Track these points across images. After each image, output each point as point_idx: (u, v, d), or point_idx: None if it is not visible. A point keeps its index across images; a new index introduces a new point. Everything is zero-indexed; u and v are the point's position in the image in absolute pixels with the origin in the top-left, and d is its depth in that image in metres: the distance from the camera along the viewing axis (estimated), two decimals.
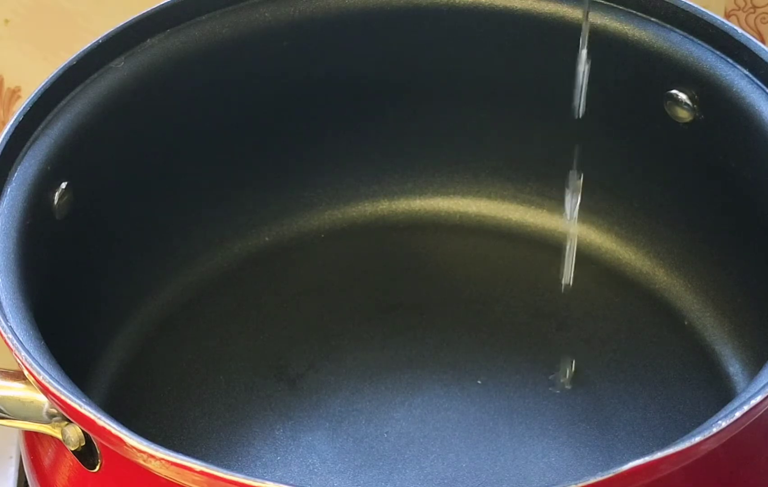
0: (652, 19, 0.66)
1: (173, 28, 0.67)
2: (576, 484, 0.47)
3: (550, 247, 0.73)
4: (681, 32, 0.65)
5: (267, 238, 0.74)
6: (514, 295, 0.71)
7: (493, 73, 0.71)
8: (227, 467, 0.50)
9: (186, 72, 0.68)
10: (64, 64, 0.64)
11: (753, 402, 0.49)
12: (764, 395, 0.49)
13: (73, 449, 0.54)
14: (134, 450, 0.49)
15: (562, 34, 0.68)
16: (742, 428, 0.49)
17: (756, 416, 0.50)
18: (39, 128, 0.62)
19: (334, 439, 0.65)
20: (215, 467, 0.47)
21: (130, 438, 0.49)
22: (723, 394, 0.65)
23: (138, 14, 0.66)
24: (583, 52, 0.65)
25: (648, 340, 0.69)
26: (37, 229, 0.60)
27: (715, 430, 0.48)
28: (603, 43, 0.67)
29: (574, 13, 0.68)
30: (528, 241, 0.74)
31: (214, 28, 0.68)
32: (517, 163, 0.74)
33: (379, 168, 0.75)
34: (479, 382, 0.67)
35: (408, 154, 0.75)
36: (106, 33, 0.65)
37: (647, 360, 0.67)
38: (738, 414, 0.49)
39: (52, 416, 0.54)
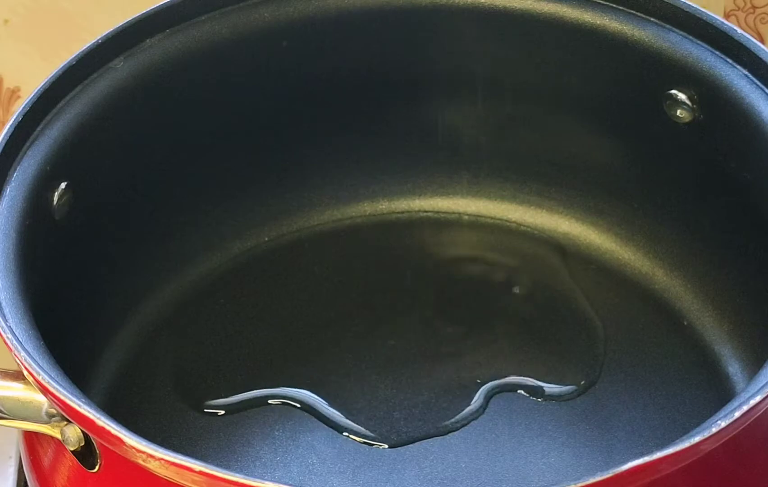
0: (652, 19, 0.66)
1: (173, 28, 0.67)
2: (576, 484, 0.47)
3: (550, 247, 0.73)
4: (680, 32, 0.65)
5: (267, 238, 0.74)
6: (514, 295, 0.71)
7: (492, 73, 0.71)
8: (227, 467, 0.50)
9: (185, 72, 0.68)
10: (63, 64, 0.64)
11: (752, 402, 0.49)
12: (764, 395, 0.49)
13: (72, 449, 0.54)
14: (133, 450, 0.49)
15: (562, 34, 0.68)
16: (741, 428, 0.49)
17: (756, 416, 0.50)
18: (38, 128, 0.62)
19: (334, 439, 0.65)
20: (215, 467, 0.47)
21: (129, 438, 0.49)
22: (723, 394, 0.65)
23: (138, 14, 0.66)
24: None
25: (648, 340, 0.68)
26: (36, 230, 0.60)
27: (714, 430, 0.48)
28: (603, 43, 0.67)
29: (573, 13, 0.68)
30: (528, 241, 0.74)
31: (213, 28, 0.68)
32: (517, 163, 0.74)
33: (379, 168, 0.75)
34: (479, 381, 0.67)
35: (408, 154, 0.75)
36: (105, 33, 0.65)
37: (647, 360, 0.67)
38: (737, 414, 0.49)
39: (51, 416, 0.54)
